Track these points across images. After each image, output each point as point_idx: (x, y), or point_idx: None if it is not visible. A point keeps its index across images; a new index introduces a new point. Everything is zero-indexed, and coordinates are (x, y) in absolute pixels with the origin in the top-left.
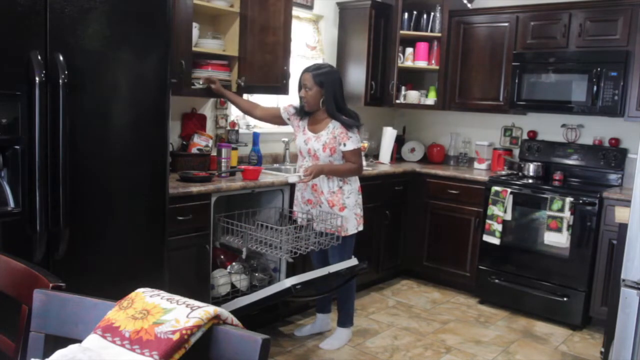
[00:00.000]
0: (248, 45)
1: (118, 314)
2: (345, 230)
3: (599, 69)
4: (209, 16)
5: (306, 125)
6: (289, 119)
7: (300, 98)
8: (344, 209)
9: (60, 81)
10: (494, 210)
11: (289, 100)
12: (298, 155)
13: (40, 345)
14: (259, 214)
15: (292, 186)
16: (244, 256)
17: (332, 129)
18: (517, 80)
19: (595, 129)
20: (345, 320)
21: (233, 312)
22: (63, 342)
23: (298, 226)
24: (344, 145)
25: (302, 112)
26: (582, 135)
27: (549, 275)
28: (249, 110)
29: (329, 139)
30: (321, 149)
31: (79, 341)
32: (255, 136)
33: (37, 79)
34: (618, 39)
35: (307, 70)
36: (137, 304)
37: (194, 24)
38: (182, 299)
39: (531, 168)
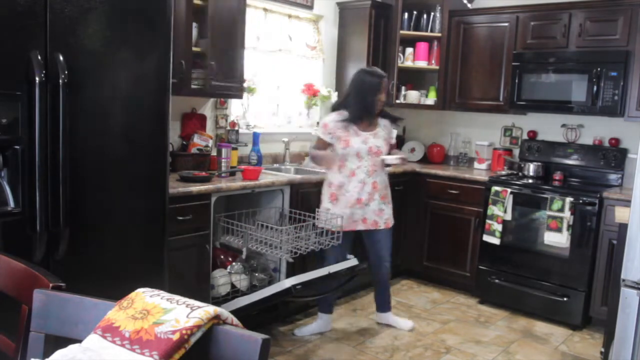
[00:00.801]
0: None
1: (118, 314)
2: (392, 221)
3: (599, 69)
4: None
5: (356, 128)
6: (330, 134)
7: (380, 103)
8: (390, 203)
9: (60, 81)
10: (494, 210)
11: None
12: (351, 159)
13: (40, 345)
14: (259, 214)
15: (318, 185)
16: (244, 256)
17: (384, 126)
18: (517, 80)
19: (595, 129)
20: (389, 306)
21: (233, 312)
22: (63, 342)
23: (298, 226)
24: (393, 138)
25: (356, 118)
26: (582, 135)
27: (549, 275)
28: None
29: (385, 135)
30: (383, 145)
31: (79, 341)
32: (255, 136)
33: (37, 79)
34: (618, 39)
35: (385, 75)
36: (137, 304)
37: (194, 24)
38: (182, 299)
39: (531, 168)
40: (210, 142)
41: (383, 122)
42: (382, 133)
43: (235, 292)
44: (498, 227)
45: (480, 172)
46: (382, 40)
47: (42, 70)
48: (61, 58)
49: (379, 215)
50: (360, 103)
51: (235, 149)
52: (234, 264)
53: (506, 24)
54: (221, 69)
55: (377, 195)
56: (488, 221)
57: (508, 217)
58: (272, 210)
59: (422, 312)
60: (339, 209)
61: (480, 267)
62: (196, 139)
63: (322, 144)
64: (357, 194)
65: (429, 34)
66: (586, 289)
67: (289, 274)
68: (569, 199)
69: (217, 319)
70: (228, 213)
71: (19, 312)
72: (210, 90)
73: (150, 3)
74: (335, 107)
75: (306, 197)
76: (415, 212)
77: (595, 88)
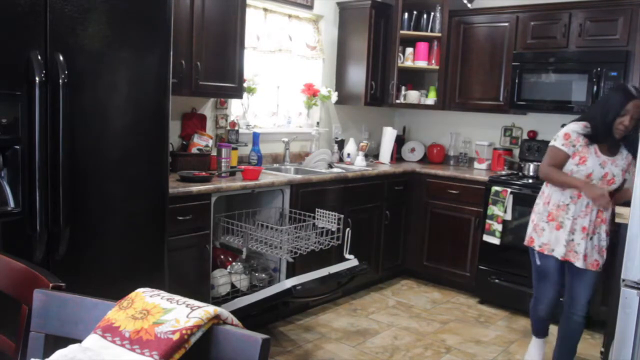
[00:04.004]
0: None
1: (118, 314)
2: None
3: (599, 69)
4: None
5: (597, 148)
6: (571, 146)
7: (621, 127)
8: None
9: (60, 81)
10: (494, 210)
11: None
12: (580, 178)
13: (40, 345)
14: (259, 214)
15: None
16: (244, 256)
17: (626, 155)
18: (517, 80)
19: None
20: None
21: (233, 312)
22: (63, 342)
23: (298, 226)
24: (629, 173)
25: (593, 136)
26: None
27: None
28: None
29: (625, 165)
30: (620, 175)
31: (79, 341)
32: (255, 136)
33: (37, 79)
34: (618, 39)
35: (636, 97)
36: (137, 304)
37: None
38: (182, 299)
39: (531, 168)
40: (210, 142)
41: (625, 151)
42: (622, 162)
43: (235, 292)
44: (498, 227)
45: (480, 172)
46: (382, 40)
47: (42, 70)
48: (61, 58)
49: (601, 254)
50: (598, 119)
51: (235, 149)
52: (234, 264)
53: (506, 24)
54: (211, 69)
55: (602, 229)
56: (488, 221)
57: (508, 217)
58: (272, 210)
59: (422, 312)
60: (555, 232)
61: (480, 267)
62: (196, 139)
63: (560, 157)
64: (581, 221)
65: (429, 34)
66: None
67: (289, 274)
68: None
69: (217, 319)
70: (228, 213)
71: (19, 312)
72: (198, 90)
73: (150, 3)
74: (579, 118)
75: (306, 197)
76: (415, 212)
77: (595, 88)
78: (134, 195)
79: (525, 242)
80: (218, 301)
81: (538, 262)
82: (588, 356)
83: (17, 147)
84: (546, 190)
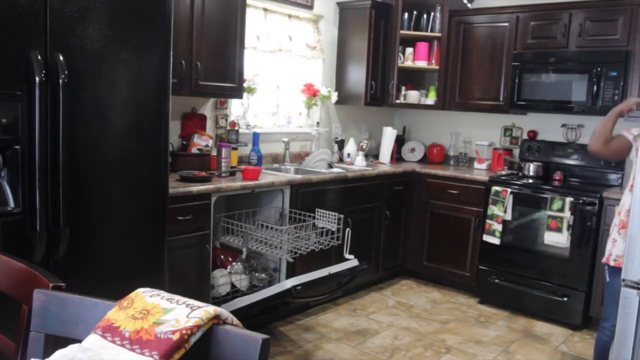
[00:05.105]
0: None
1: (118, 314)
2: None
3: (599, 69)
4: None
5: None
6: (636, 135)
7: None
8: None
9: (60, 81)
10: (494, 210)
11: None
12: None
13: (40, 345)
14: (259, 214)
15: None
16: (244, 256)
17: None
18: (517, 80)
19: None
20: None
21: (233, 312)
22: (63, 342)
23: (298, 226)
24: None
25: None
26: (582, 135)
27: (549, 275)
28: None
29: None
30: None
31: (79, 341)
32: (255, 136)
33: (37, 79)
34: (618, 39)
35: None
36: (137, 304)
37: None
38: (182, 299)
39: (531, 168)
40: (210, 142)
41: None
42: None
43: (235, 292)
44: (498, 227)
45: (480, 172)
46: (382, 40)
47: (42, 70)
48: (61, 58)
49: None
50: None
51: (235, 149)
52: (234, 264)
53: (506, 24)
54: (211, 69)
55: None
56: (488, 221)
57: (508, 217)
58: (272, 210)
59: (422, 312)
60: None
61: (480, 267)
62: (196, 139)
63: (618, 139)
64: None
65: (429, 34)
66: (586, 289)
67: (289, 274)
68: (569, 199)
69: (217, 319)
70: (228, 213)
71: (19, 312)
72: (198, 90)
73: (150, 3)
74: None
75: (306, 197)
76: (415, 212)
77: (595, 88)
78: (134, 195)
79: (603, 260)
80: (218, 301)
81: (607, 279)
82: (588, 356)
83: (17, 147)
84: (621, 199)
